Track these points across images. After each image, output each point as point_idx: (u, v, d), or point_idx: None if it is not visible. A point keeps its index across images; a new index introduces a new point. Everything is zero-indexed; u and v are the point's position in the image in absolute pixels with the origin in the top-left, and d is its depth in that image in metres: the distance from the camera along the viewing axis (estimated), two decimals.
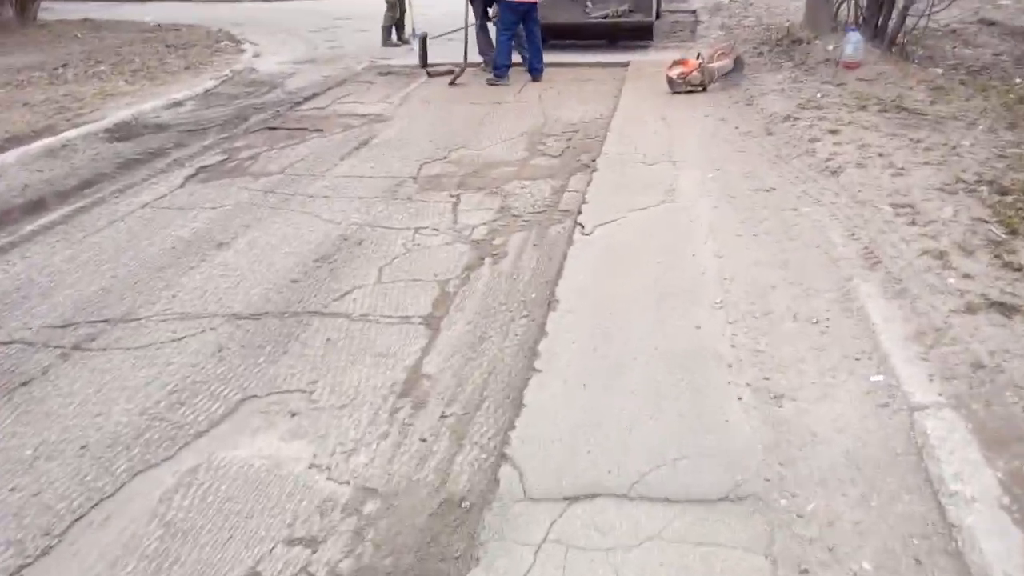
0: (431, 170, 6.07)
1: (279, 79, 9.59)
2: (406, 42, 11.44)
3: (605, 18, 10.55)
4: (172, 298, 4.10)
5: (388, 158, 6.40)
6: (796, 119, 6.29)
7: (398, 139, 6.94)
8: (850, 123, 6.01)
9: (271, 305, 3.97)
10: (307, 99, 8.55)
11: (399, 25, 11.75)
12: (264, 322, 3.81)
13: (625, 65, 9.68)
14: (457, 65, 9.21)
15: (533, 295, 3.97)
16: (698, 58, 7.95)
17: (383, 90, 8.90)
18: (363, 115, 7.82)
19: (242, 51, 11.15)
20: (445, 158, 6.36)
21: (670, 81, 7.93)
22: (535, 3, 8.74)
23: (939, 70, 8.39)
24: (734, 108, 7.18)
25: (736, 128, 6.49)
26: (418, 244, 4.67)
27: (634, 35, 10.66)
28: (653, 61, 9.68)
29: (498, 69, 8.87)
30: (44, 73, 9.68)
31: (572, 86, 8.84)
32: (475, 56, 9.58)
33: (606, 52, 10.50)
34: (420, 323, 3.74)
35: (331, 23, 14.35)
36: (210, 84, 9.02)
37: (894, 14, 8.65)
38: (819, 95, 6.94)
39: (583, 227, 4.72)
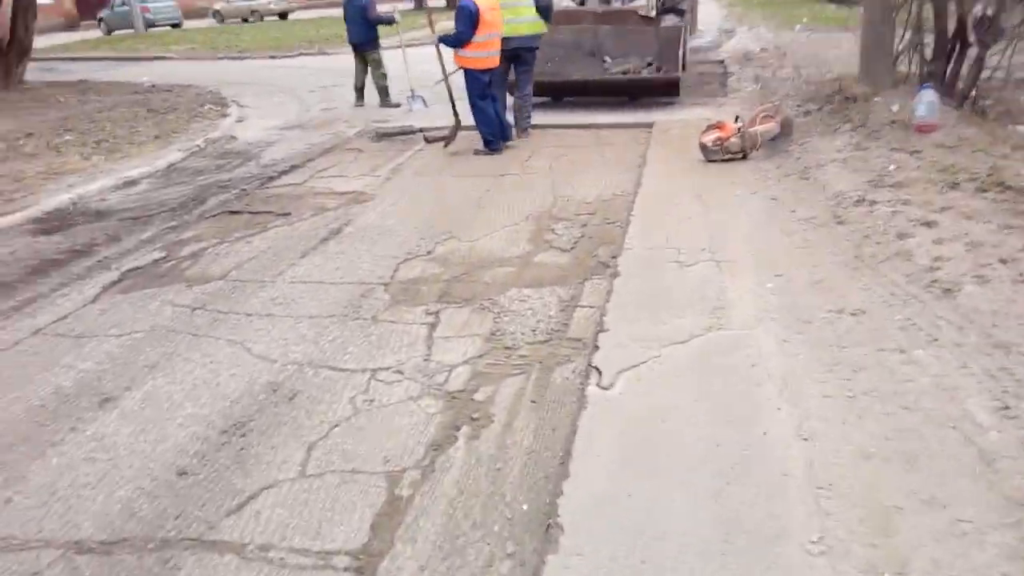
0: (409, 272, 4.77)
1: (257, 149, 8.41)
2: (397, 105, 10.27)
3: (626, 73, 9.32)
4: (3, 504, 2.78)
5: (360, 254, 5.11)
6: (872, 202, 4.91)
7: (377, 226, 5.66)
8: (945, 209, 4.63)
9: (134, 524, 2.63)
10: (283, 173, 7.34)
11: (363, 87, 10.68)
12: (113, 562, 2.47)
13: (649, 126, 8.40)
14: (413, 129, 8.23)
15: (524, 507, 2.61)
16: (736, 121, 6.64)
17: (372, 160, 7.67)
18: (342, 193, 6.57)
19: (225, 115, 10.05)
20: (430, 253, 5.06)
21: (704, 148, 6.61)
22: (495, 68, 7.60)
23: (1022, 128, 7.01)
24: (787, 183, 5.82)
25: (793, 212, 5.13)
26: (372, 400, 3.32)
27: (658, 91, 9.39)
28: (681, 121, 8.38)
29: (487, 141, 7.65)
30: (2, 145, 8.60)
31: (588, 152, 7.56)
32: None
33: (627, 110, 9.23)
34: (346, 569, 2.38)
35: (335, 81, 13.23)
36: (176, 157, 7.86)
37: (965, 64, 7.30)
38: (893, 167, 5.57)
39: (600, 374, 3.36)
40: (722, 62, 12.79)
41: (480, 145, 7.72)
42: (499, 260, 4.89)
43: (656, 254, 4.69)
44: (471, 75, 7.49)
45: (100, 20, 30.09)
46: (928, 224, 4.39)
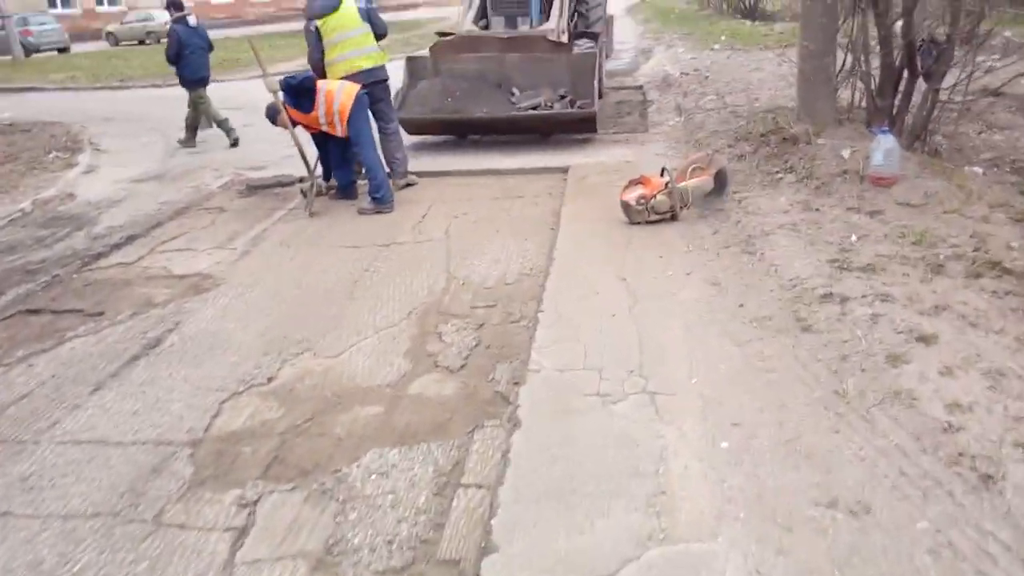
0: (235, 417, 3.41)
1: (95, 211, 6.86)
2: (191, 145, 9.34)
3: (536, 108, 8.12)
4: None
5: (174, 385, 3.73)
6: (843, 298, 3.77)
7: (211, 333, 4.27)
8: (939, 309, 3.52)
9: None
10: (116, 247, 5.84)
11: (195, 126, 9.46)
12: None
13: (564, 171, 7.21)
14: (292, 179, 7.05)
15: None
16: (663, 174, 5.49)
17: (232, 225, 6.25)
18: (181, 277, 5.14)
19: (72, 164, 8.43)
20: (270, 381, 3.71)
21: (627, 208, 5.44)
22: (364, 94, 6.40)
23: (979, 170, 6.08)
24: (728, 258, 4.67)
25: (741, 307, 3.96)
26: None
27: (573, 128, 8.23)
28: (600, 165, 7.22)
29: (378, 193, 6.33)
30: None
31: (494, 208, 6.31)
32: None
33: (539, 150, 8.03)
34: None
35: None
36: None
37: (915, 96, 6.35)
38: (855, 237, 4.49)
39: None
40: (640, 88, 11.75)
41: (367, 201, 6.39)
42: (363, 392, 3.57)
43: (570, 379, 3.45)
44: (358, 104, 6.21)
45: None
46: (924, 339, 3.26)
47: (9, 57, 23.47)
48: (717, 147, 7.08)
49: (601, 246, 5.11)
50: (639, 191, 5.45)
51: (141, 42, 29.72)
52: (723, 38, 17.19)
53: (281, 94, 6.33)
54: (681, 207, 5.43)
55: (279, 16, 41.48)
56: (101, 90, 16.49)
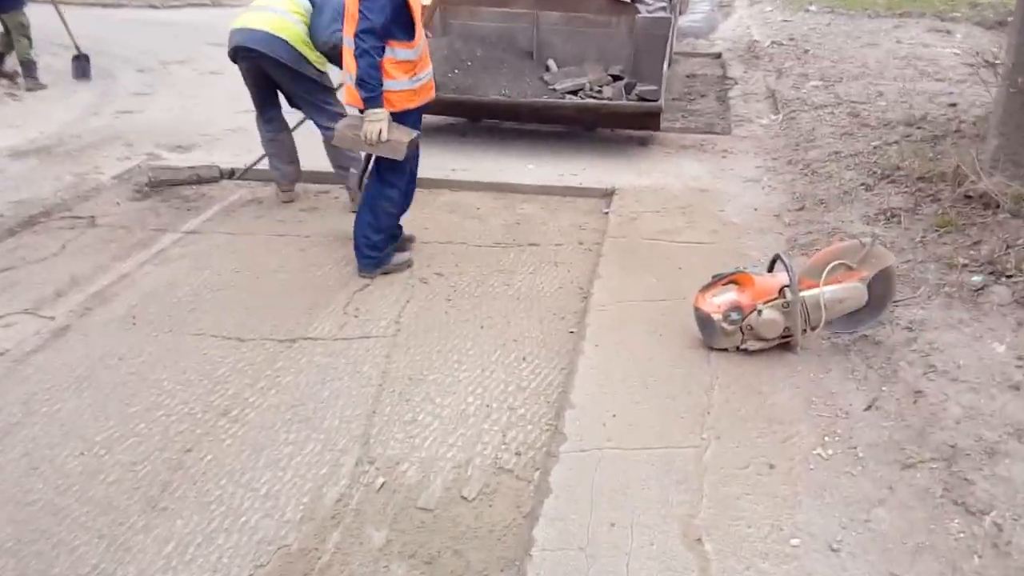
0: None
1: None
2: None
3: (578, 92, 5.57)
4: None
5: None
6: None
7: None
8: None
9: None
10: None
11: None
12: None
13: (606, 195, 4.74)
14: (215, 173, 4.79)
15: None
16: (774, 265, 3.03)
17: (82, 259, 3.94)
18: None
19: None
20: None
21: (705, 322, 3.00)
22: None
23: None
24: (910, 495, 2.23)
25: None
26: None
27: (629, 124, 5.68)
28: (659, 191, 4.72)
29: (374, 251, 3.79)
30: None
31: (488, 266, 3.91)
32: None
33: (574, 151, 5.51)
34: None
35: (197, 52, 9.19)
36: None
37: None
38: None
39: None
40: (719, 57, 8.99)
41: (368, 260, 3.82)
42: None
43: None
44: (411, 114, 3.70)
45: None
46: None
47: None
48: (845, 185, 4.50)
49: (654, 411, 2.68)
50: (731, 296, 2.98)
51: None
52: None
53: None
54: (807, 331, 2.96)
55: None
56: (92, 6, 14.06)
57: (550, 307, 3.53)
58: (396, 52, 3.37)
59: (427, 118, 6.25)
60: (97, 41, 8.55)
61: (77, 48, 7.59)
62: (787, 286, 2.92)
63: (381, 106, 3.37)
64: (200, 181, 5.01)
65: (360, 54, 3.25)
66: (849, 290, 2.94)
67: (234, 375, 2.99)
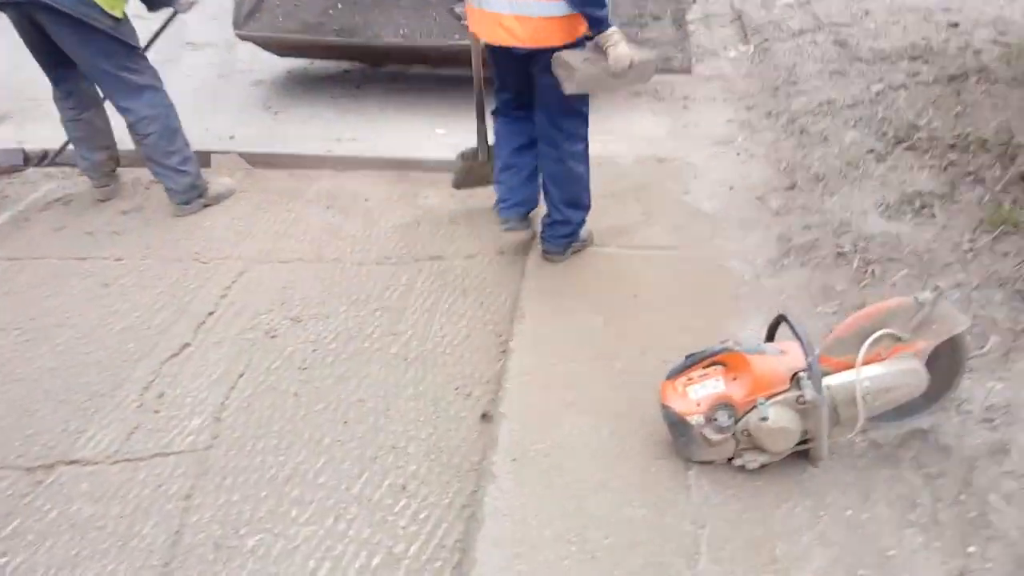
0: None
1: None
2: None
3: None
4: None
5: None
6: None
7: None
8: None
9: None
10: None
11: None
12: None
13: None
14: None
15: None
16: (775, 330, 1.92)
17: None
18: None
19: None
20: None
21: (678, 426, 1.90)
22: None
23: None
24: None
25: None
26: None
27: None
28: (604, 159, 3.52)
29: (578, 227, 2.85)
30: None
31: (365, 303, 2.74)
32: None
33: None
34: None
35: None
36: None
37: None
38: None
39: None
40: None
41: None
42: None
43: None
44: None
45: None
46: None
47: None
48: (847, 151, 3.37)
49: None
50: (717, 387, 1.88)
51: None
52: None
53: None
54: (843, 435, 1.89)
55: None
56: None
57: (451, 374, 2.39)
58: None
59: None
60: None
61: None
62: (803, 370, 1.83)
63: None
64: (26, 164, 3.68)
65: None
66: (901, 375, 1.85)
67: None
